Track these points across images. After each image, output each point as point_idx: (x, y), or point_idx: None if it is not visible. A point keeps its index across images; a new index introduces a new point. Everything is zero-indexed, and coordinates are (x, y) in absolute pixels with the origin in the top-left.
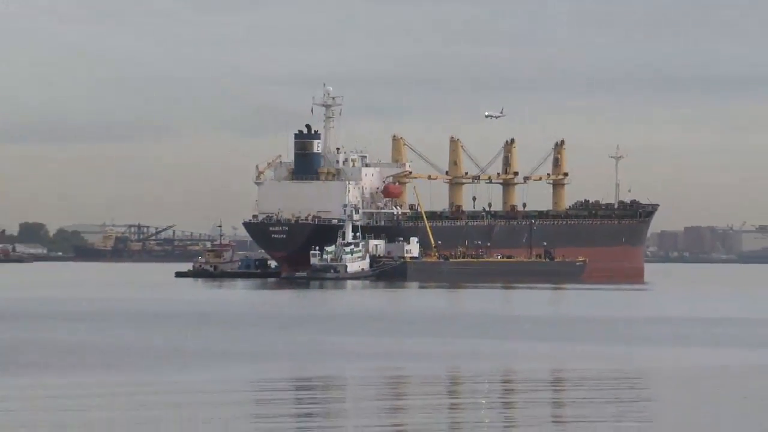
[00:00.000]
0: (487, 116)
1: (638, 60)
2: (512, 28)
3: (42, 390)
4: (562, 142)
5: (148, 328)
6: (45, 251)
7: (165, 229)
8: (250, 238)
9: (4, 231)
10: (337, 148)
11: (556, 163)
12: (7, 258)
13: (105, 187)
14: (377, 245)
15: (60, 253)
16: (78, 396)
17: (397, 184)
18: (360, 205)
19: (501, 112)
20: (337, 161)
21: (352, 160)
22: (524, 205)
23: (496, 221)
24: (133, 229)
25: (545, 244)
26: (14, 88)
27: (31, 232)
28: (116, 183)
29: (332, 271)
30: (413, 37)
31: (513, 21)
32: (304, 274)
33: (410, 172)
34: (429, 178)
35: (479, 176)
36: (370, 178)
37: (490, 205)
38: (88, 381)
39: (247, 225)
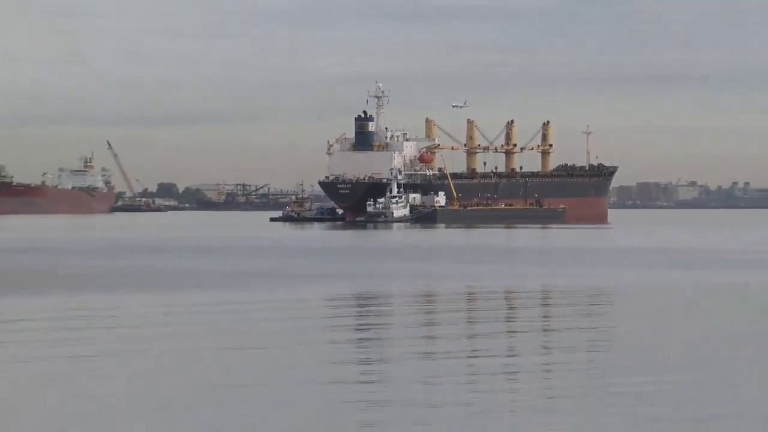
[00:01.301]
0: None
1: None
2: (506, 41)
3: (176, 304)
4: (548, 122)
5: (252, 257)
6: (175, 203)
7: (262, 187)
8: (323, 193)
9: (146, 189)
10: (386, 128)
11: (544, 137)
12: (149, 208)
13: (218, 156)
14: (415, 197)
15: (186, 205)
16: (201, 309)
17: (429, 153)
18: (402, 169)
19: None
20: (386, 137)
21: (396, 136)
22: (521, 168)
23: (501, 179)
24: (239, 187)
25: (536, 195)
26: (163, 91)
27: (165, 189)
28: (226, 153)
29: (382, 216)
30: (437, 48)
31: (513, 36)
32: (362, 218)
33: (438, 145)
34: (452, 149)
35: (488, 147)
36: (410, 149)
37: (496, 168)
38: (206, 297)
39: (322, 183)
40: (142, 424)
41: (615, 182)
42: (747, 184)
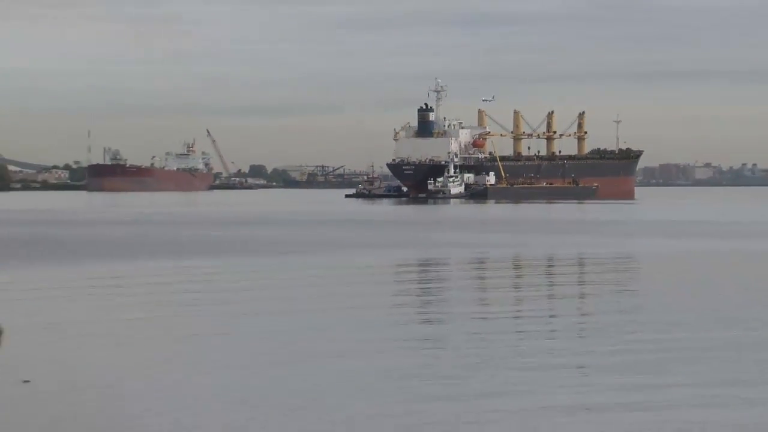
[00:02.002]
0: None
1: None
2: (544, 43)
3: (264, 267)
4: (583, 112)
5: (330, 227)
6: (265, 182)
7: (338, 168)
8: (391, 173)
9: (240, 170)
10: (444, 118)
11: (580, 125)
12: (242, 187)
13: (301, 142)
14: (469, 177)
15: (274, 184)
16: (278, 273)
17: (481, 139)
18: (458, 153)
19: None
20: (444, 126)
21: (453, 125)
22: (560, 152)
23: (542, 162)
24: (318, 168)
25: (573, 175)
26: (252, 87)
27: (256, 170)
28: (308, 139)
29: (441, 193)
30: (486, 49)
31: (550, 38)
32: (424, 195)
33: (489, 132)
34: (500, 135)
35: (531, 134)
36: (465, 136)
37: (538, 152)
38: (293, 262)
39: (389, 165)
40: (239, 371)
41: (641, 164)
42: (755, 165)
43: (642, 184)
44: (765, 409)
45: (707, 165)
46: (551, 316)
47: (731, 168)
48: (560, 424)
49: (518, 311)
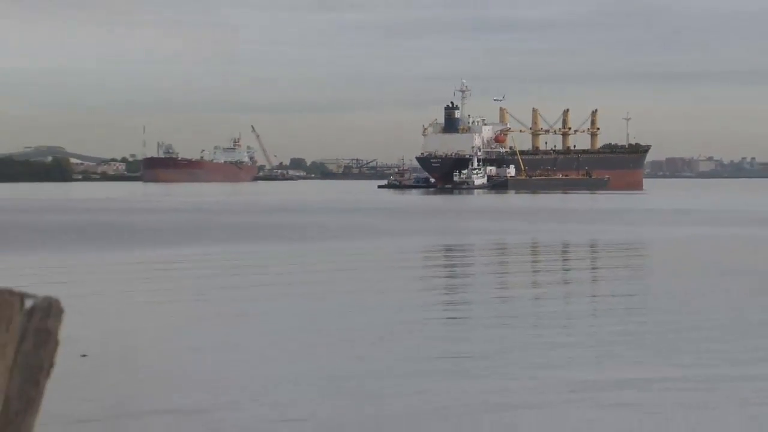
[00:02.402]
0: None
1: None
2: (559, 46)
3: (307, 252)
4: (596, 110)
5: (364, 215)
6: (304, 174)
7: (371, 161)
8: (419, 166)
9: (281, 162)
10: (468, 115)
11: (593, 122)
12: (284, 178)
13: (337, 136)
14: (491, 169)
15: (312, 175)
16: (319, 257)
17: (502, 135)
18: (481, 147)
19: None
20: (468, 122)
21: (476, 122)
22: (574, 146)
23: (558, 155)
24: (353, 161)
25: (586, 168)
26: (293, 86)
27: (296, 163)
28: (344, 134)
29: (465, 184)
30: (506, 52)
31: (563, 42)
32: (450, 186)
33: (509, 128)
34: (520, 131)
35: (548, 130)
36: (488, 132)
37: (555, 146)
38: (328, 246)
39: (418, 158)
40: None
41: (648, 157)
42: (753, 158)
43: (650, 176)
44: None
45: (710, 159)
46: (566, 297)
47: (732, 161)
48: (579, 396)
49: (536, 292)
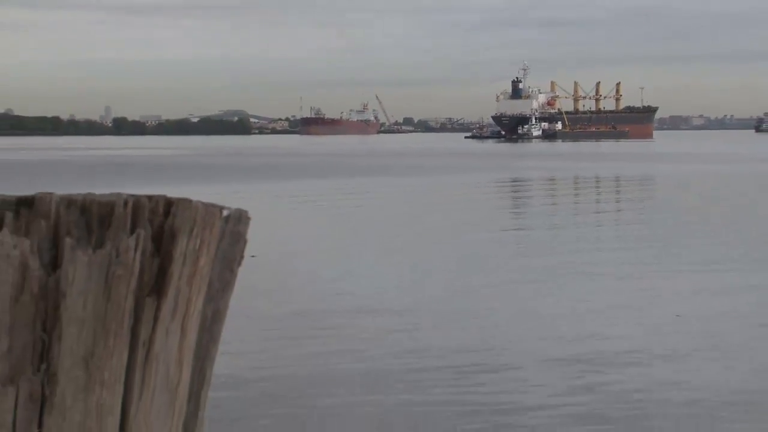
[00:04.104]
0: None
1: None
2: (589, 37)
3: (407, 185)
4: (619, 83)
5: (449, 157)
6: (412, 128)
7: (460, 119)
8: (493, 122)
9: (396, 120)
10: (528, 86)
11: (617, 90)
12: (398, 131)
13: (437, 102)
14: (544, 125)
15: (418, 130)
16: (410, 189)
17: (552, 100)
18: (537, 109)
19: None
20: (529, 91)
21: (534, 91)
22: (603, 108)
23: (592, 114)
24: (447, 119)
25: (612, 123)
26: (406, 63)
27: (407, 120)
28: (442, 101)
29: (526, 136)
30: (551, 43)
31: (592, 36)
32: (515, 137)
33: (557, 96)
34: (565, 97)
35: (585, 97)
36: (542, 98)
37: (590, 108)
38: (421, 181)
39: (493, 117)
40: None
41: (657, 115)
42: (732, 115)
43: (657, 129)
44: None
45: (700, 116)
46: (597, 224)
47: (716, 118)
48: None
49: (578, 219)
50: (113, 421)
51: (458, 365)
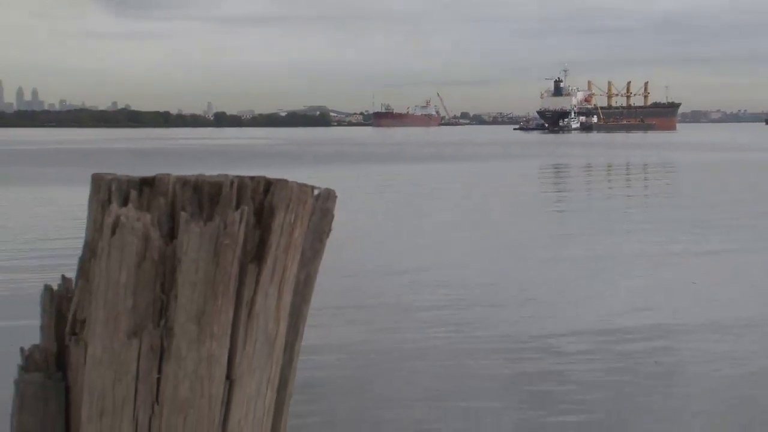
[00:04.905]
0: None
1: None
2: (626, 43)
3: (460, 169)
4: (647, 82)
5: (498, 146)
6: (468, 122)
7: (509, 113)
8: (538, 116)
9: (454, 115)
10: (568, 85)
11: (645, 89)
12: (455, 124)
13: (490, 98)
14: (582, 118)
15: (473, 123)
16: (468, 173)
17: (589, 97)
18: (576, 104)
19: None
20: (569, 89)
21: (573, 89)
22: (633, 104)
23: (623, 109)
24: (498, 113)
25: (641, 117)
26: (458, 63)
27: (464, 114)
28: (494, 97)
29: (567, 128)
30: (590, 47)
31: (628, 40)
32: (557, 128)
33: (593, 93)
34: (600, 95)
35: (617, 94)
36: (580, 96)
37: (621, 104)
38: (476, 166)
39: (538, 112)
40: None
41: (680, 110)
42: (746, 110)
43: (680, 122)
44: None
45: (718, 111)
46: (627, 204)
47: (732, 112)
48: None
49: (610, 200)
50: (221, 369)
51: (502, 322)
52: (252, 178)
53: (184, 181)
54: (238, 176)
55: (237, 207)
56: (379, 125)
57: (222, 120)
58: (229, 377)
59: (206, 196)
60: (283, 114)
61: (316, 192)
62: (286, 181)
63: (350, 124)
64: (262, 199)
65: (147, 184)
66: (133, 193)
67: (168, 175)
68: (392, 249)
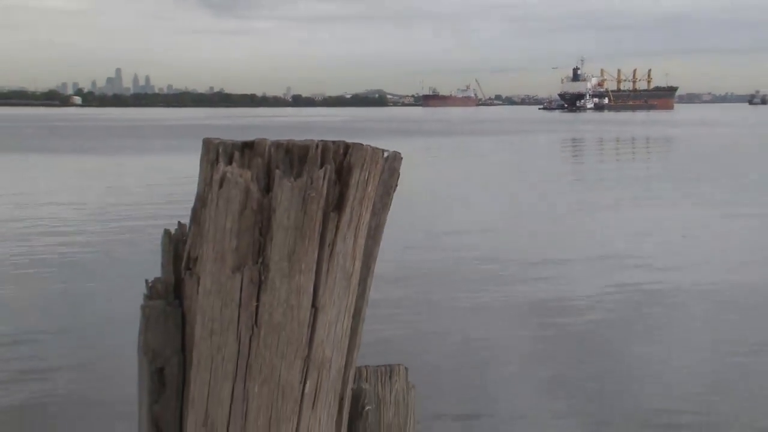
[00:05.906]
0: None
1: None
2: (632, 36)
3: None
4: (650, 70)
5: (524, 124)
6: (501, 103)
7: (535, 95)
8: (559, 98)
9: (489, 97)
10: (585, 72)
11: (649, 75)
12: (491, 105)
13: (524, 83)
14: (595, 99)
15: (504, 103)
16: (480, 146)
17: (602, 81)
18: (591, 88)
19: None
20: (584, 75)
21: (589, 75)
22: (638, 88)
23: (630, 92)
24: (526, 96)
25: (645, 98)
26: (501, 52)
27: (497, 96)
28: (521, 83)
29: (583, 107)
30: (601, 40)
31: (635, 35)
32: (575, 108)
33: (605, 79)
34: (611, 80)
35: (625, 79)
36: (594, 81)
37: (628, 89)
38: (481, 140)
39: (559, 94)
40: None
41: (677, 93)
42: (732, 92)
43: (677, 102)
44: None
45: (709, 93)
46: (632, 168)
47: (720, 95)
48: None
49: (620, 165)
50: (307, 298)
51: (527, 261)
52: (334, 142)
53: (277, 144)
54: (322, 140)
55: (321, 166)
56: (427, 105)
57: (298, 101)
58: (314, 305)
59: (296, 156)
60: (348, 96)
61: (385, 154)
62: (361, 145)
63: (403, 104)
64: (342, 160)
65: (248, 146)
66: (237, 154)
67: (264, 139)
68: (434, 207)
